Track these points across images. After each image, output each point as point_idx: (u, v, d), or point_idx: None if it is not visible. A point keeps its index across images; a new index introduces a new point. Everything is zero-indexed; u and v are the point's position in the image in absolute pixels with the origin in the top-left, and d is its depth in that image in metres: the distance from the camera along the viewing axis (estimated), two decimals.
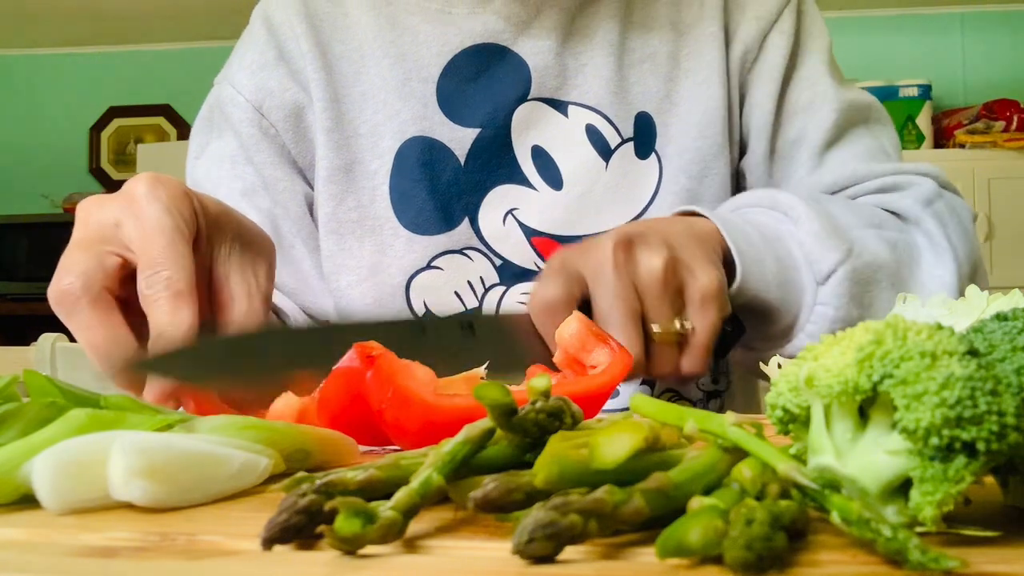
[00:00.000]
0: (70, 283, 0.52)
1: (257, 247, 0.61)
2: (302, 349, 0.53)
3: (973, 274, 0.74)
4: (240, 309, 0.58)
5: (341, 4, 0.86)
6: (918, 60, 4.01)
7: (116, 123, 4.58)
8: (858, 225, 0.71)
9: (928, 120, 3.69)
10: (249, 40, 0.88)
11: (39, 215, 4.28)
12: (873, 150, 0.84)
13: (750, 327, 0.70)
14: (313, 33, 0.84)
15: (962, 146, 3.60)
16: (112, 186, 4.48)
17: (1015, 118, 3.57)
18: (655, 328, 0.60)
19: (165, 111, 4.51)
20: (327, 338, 0.55)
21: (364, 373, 0.44)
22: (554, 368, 0.57)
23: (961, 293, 0.70)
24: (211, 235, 0.58)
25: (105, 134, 4.59)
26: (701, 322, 0.61)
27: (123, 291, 0.54)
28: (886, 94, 3.67)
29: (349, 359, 0.45)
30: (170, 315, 0.52)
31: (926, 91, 3.70)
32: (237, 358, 0.53)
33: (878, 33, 4.10)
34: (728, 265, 0.65)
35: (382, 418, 0.43)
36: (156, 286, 0.52)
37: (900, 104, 3.68)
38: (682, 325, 0.61)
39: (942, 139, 3.71)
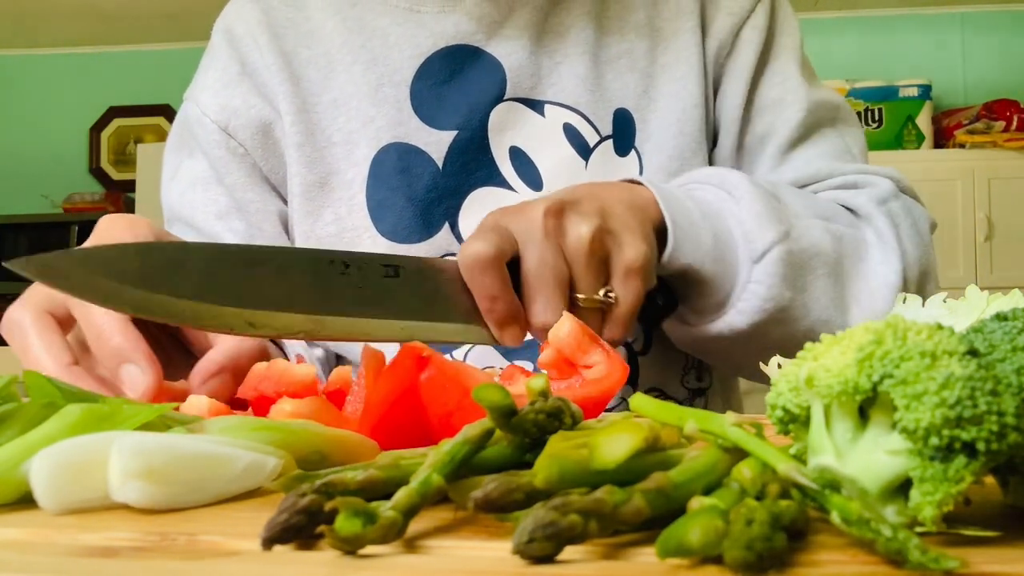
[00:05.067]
0: (16, 311, 0.55)
1: None
2: (214, 271, 0.52)
3: (923, 278, 0.74)
4: (230, 339, 0.58)
5: (303, 8, 0.85)
6: (918, 60, 4.01)
7: (116, 123, 4.58)
8: (805, 214, 0.71)
9: (928, 120, 3.69)
10: (212, 56, 0.87)
11: (39, 215, 4.28)
12: (838, 151, 0.83)
13: (685, 300, 0.70)
14: (276, 42, 0.83)
15: (962, 146, 3.60)
16: (112, 186, 4.48)
17: (1015, 118, 3.57)
18: (580, 296, 0.60)
19: (165, 111, 4.51)
20: (246, 262, 0.53)
21: (415, 375, 0.42)
22: (477, 318, 0.58)
23: (905, 293, 0.71)
24: None
25: (105, 134, 4.59)
26: (624, 294, 0.61)
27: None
28: (886, 94, 3.67)
29: (396, 360, 0.43)
30: (135, 385, 0.52)
31: (926, 91, 3.70)
32: (143, 271, 0.51)
33: (878, 33, 4.10)
34: (662, 236, 0.65)
35: (448, 423, 0.42)
36: (110, 363, 0.53)
37: (900, 104, 3.68)
38: (606, 295, 0.61)
39: (942, 139, 3.71)
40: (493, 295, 0.59)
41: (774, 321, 0.68)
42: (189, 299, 0.51)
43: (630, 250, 0.61)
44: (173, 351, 0.61)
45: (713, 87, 0.84)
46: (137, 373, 0.52)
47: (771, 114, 0.83)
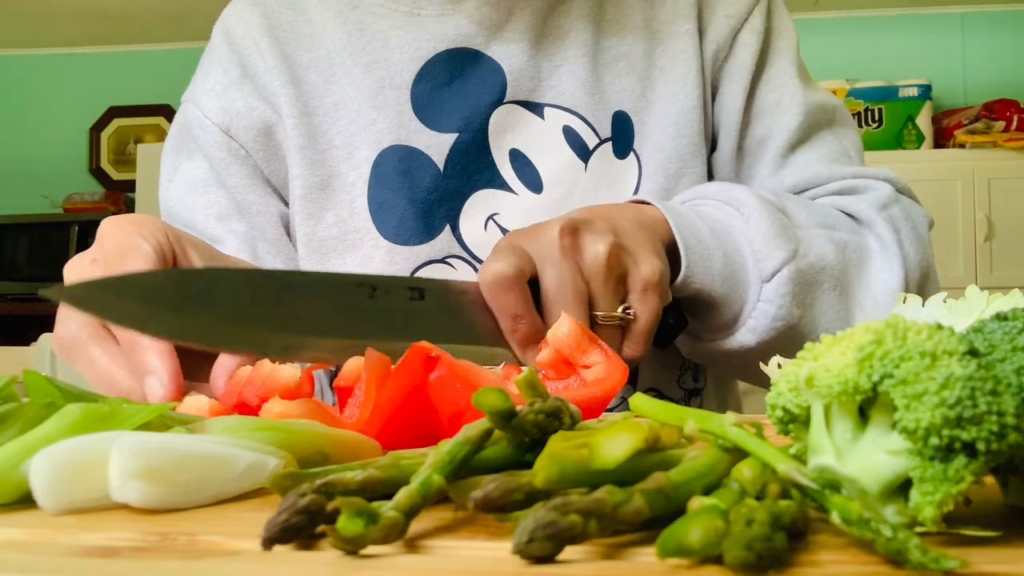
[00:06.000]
0: (67, 328, 0.55)
1: None
2: (250, 297, 0.53)
3: (923, 280, 0.75)
4: None
5: (304, 11, 0.85)
6: (918, 60, 4.01)
7: (116, 123, 4.59)
8: (809, 224, 0.72)
9: (928, 120, 3.69)
10: (212, 59, 0.87)
11: (39, 215, 4.28)
12: (836, 153, 0.85)
13: (695, 317, 0.72)
14: (277, 45, 0.83)
15: (962, 146, 3.60)
16: (112, 186, 4.48)
17: (1015, 118, 3.57)
18: (599, 313, 0.61)
19: (165, 111, 4.52)
20: (277, 288, 0.54)
21: (424, 375, 0.42)
22: (501, 340, 0.59)
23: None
24: (190, 255, 0.60)
25: (105, 134, 4.59)
26: (642, 309, 0.62)
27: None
28: (886, 94, 3.68)
29: (404, 360, 0.43)
30: (154, 395, 0.52)
31: (926, 91, 3.70)
32: (178, 297, 0.51)
33: (878, 33, 4.10)
34: (673, 256, 0.66)
35: (458, 422, 0.41)
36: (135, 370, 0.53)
37: (900, 104, 3.68)
38: (624, 311, 0.62)
39: (942, 139, 3.71)
40: (515, 314, 0.60)
41: (783, 338, 0.69)
42: (225, 324, 0.51)
43: (646, 266, 0.62)
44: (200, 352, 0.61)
45: (711, 90, 0.85)
46: (156, 385, 0.51)
47: (770, 118, 0.84)
